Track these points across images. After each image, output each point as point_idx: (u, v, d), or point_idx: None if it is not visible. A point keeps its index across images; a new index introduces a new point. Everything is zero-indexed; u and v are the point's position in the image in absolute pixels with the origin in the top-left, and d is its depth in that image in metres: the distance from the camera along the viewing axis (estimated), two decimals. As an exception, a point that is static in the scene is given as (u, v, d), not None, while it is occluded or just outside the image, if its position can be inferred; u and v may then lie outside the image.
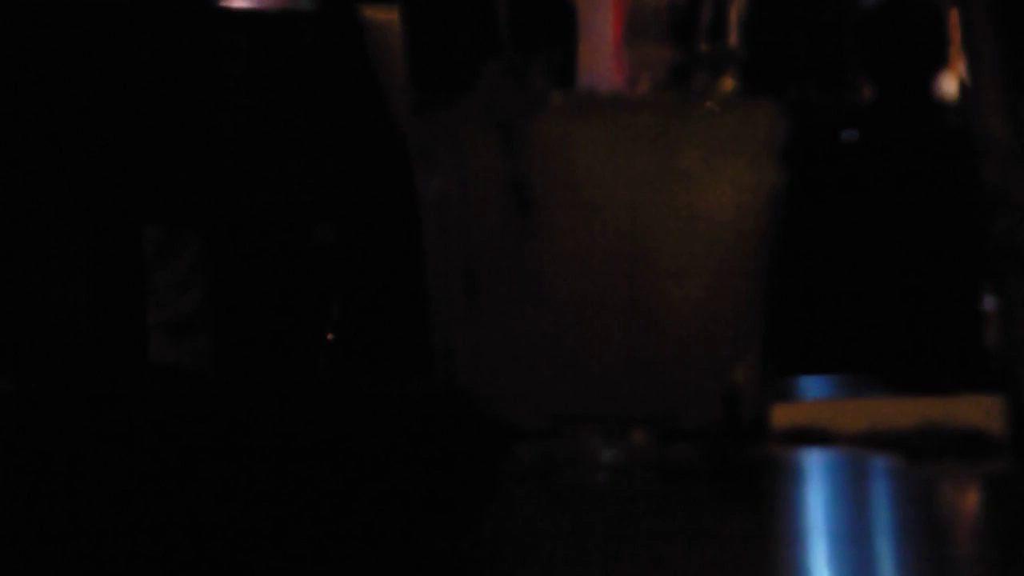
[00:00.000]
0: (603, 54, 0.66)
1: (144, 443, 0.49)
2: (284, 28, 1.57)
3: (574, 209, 0.64)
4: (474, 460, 0.51)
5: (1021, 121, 0.58)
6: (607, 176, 0.64)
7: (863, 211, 2.09)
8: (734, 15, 0.66)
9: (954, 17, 0.60)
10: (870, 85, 2.24)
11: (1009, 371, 0.59)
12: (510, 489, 0.59)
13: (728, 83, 0.65)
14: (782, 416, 0.69)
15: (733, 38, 0.66)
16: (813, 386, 1.01)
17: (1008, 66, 0.58)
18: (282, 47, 1.52)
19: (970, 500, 0.59)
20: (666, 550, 0.51)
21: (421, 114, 0.68)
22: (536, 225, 0.64)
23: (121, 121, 1.29)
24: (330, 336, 1.90)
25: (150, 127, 1.39)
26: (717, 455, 0.64)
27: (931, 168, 1.76)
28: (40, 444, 0.49)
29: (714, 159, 0.64)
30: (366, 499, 0.49)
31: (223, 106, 1.43)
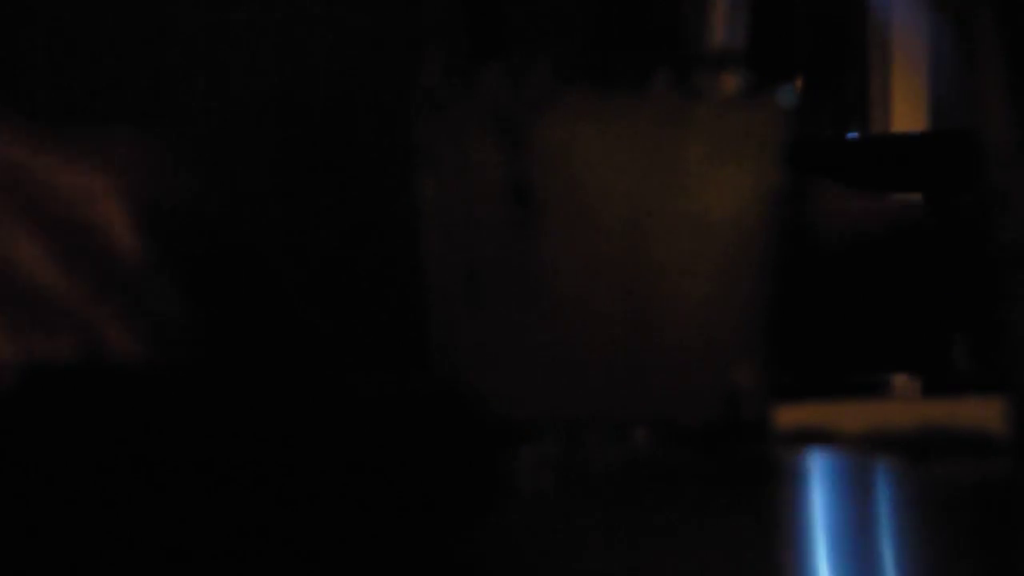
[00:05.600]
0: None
1: (140, 442, 0.49)
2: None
3: (577, 210, 0.64)
4: (475, 462, 0.51)
5: None
6: (610, 177, 0.64)
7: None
8: (736, 13, 0.66)
9: None
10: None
11: (1012, 373, 0.59)
12: (510, 490, 0.59)
13: (730, 82, 0.65)
14: (784, 417, 0.69)
15: (735, 36, 0.66)
16: (815, 387, 1.01)
17: (1012, 70, 0.58)
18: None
19: (972, 502, 0.59)
20: (667, 552, 0.51)
21: (422, 113, 0.68)
22: (538, 225, 0.64)
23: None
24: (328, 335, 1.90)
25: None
26: (718, 456, 0.64)
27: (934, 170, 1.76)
28: (43, 440, 0.49)
29: (715, 158, 0.64)
30: (367, 500, 0.49)
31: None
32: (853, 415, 0.71)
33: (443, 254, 0.67)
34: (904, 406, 0.74)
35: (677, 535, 0.53)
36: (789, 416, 0.70)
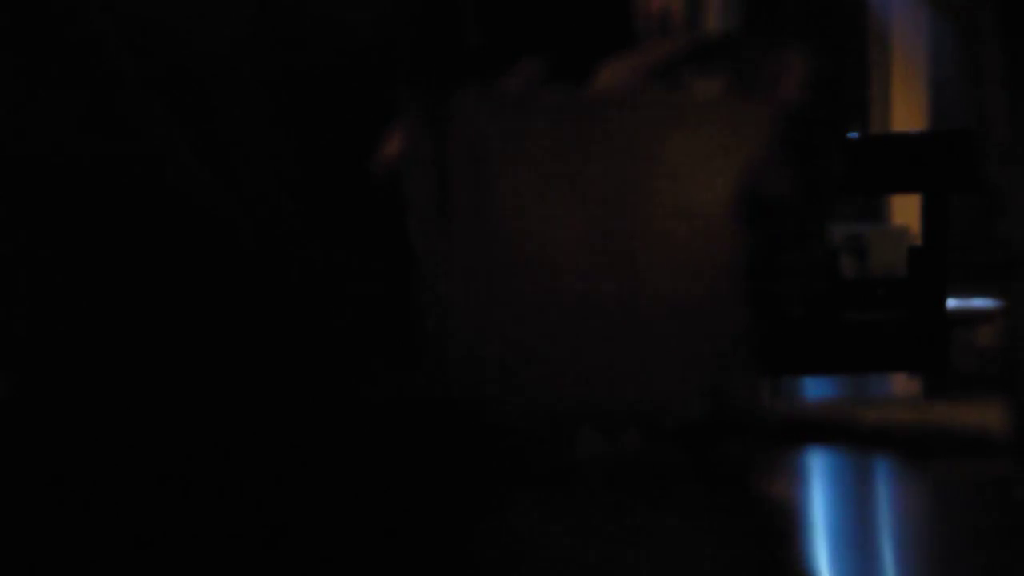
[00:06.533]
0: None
1: (145, 446, 0.49)
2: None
3: (547, 206, 0.64)
4: (471, 465, 0.51)
5: None
6: (592, 174, 0.64)
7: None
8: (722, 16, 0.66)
9: None
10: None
11: (1012, 373, 0.59)
12: (506, 490, 0.59)
13: (715, 84, 0.65)
14: (785, 416, 0.69)
15: (721, 36, 0.66)
16: (817, 387, 1.01)
17: (1013, 71, 0.58)
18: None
19: (972, 501, 0.59)
20: (667, 549, 0.51)
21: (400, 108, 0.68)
22: (500, 223, 0.64)
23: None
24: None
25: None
26: (706, 453, 0.64)
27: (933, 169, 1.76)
28: (40, 444, 0.49)
29: (702, 155, 0.64)
30: (371, 500, 0.49)
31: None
32: (856, 416, 0.71)
33: (426, 251, 0.67)
34: (907, 407, 0.74)
35: (677, 534, 0.53)
36: (792, 416, 0.70)
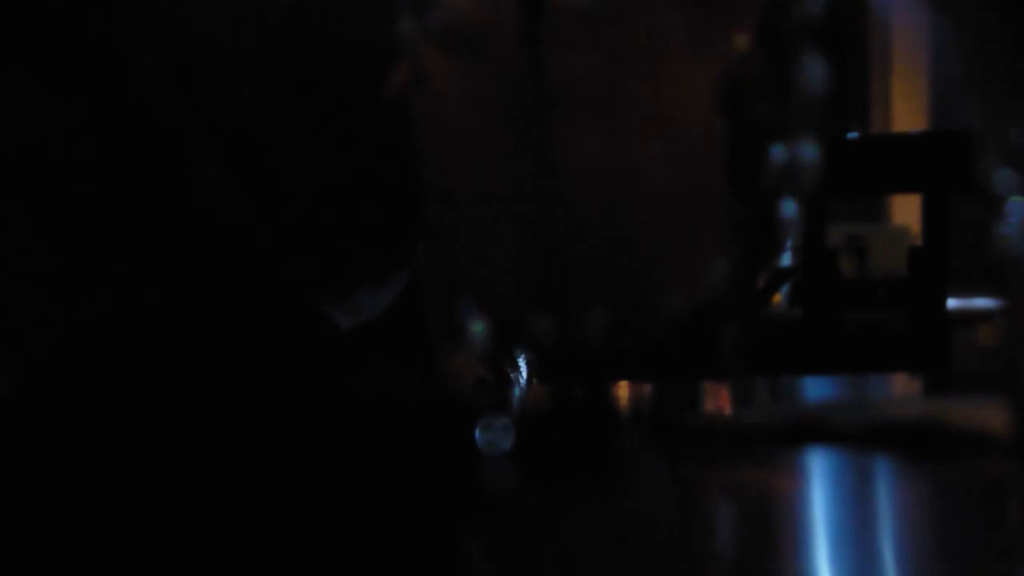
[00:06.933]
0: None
1: (145, 445, 0.49)
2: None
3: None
4: (471, 461, 0.51)
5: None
6: (595, 72, 0.64)
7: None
8: None
9: None
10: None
11: (1012, 373, 0.59)
12: (501, 489, 0.59)
13: None
14: (784, 415, 0.69)
15: None
16: (817, 387, 1.01)
17: (1014, 71, 0.58)
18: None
19: (972, 501, 0.59)
20: (661, 545, 0.51)
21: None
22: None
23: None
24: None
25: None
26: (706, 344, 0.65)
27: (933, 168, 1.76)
28: (40, 444, 0.49)
29: (694, 65, 0.65)
30: (369, 499, 0.49)
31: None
32: (855, 414, 0.71)
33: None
34: (906, 405, 0.74)
35: (670, 527, 0.53)
36: (792, 415, 0.70)
